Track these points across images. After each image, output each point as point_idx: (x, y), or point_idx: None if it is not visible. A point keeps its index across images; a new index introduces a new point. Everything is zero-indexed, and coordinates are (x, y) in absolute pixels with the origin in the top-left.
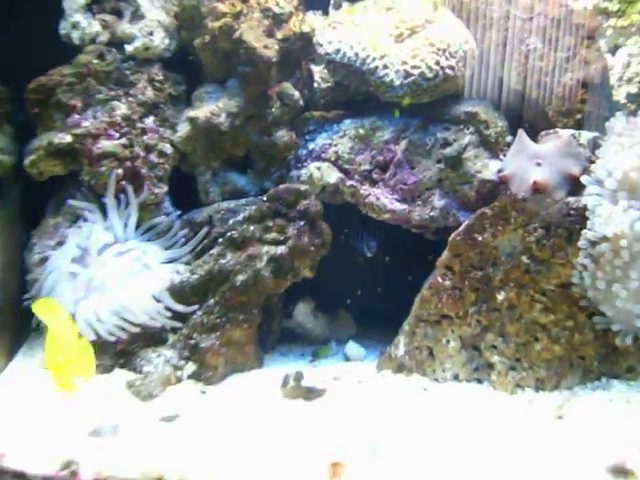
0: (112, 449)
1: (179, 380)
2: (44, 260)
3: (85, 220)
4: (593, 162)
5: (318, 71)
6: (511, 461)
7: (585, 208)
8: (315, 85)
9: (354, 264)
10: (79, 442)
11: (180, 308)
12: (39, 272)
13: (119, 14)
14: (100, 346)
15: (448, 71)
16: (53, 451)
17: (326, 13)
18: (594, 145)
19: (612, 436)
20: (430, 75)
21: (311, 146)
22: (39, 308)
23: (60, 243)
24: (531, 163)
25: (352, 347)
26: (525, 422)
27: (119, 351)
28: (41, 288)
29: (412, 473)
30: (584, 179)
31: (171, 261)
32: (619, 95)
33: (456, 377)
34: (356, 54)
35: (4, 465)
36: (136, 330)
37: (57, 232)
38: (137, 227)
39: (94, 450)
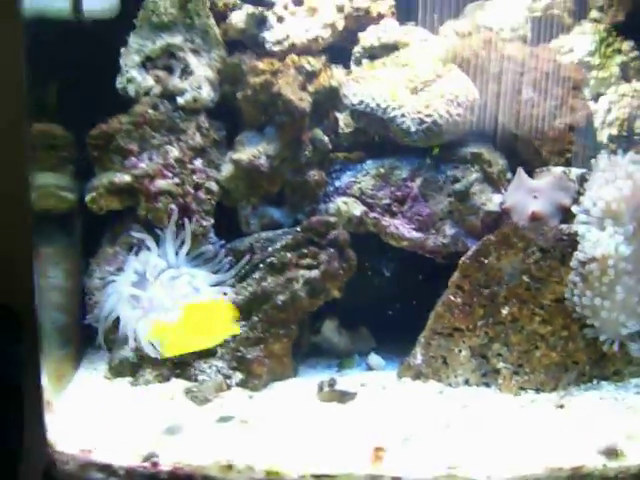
0: (183, 444)
1: (229, 387)
2: (106, 284)
3: (140, 249)
4: (581, 194)
5: (341, 118)
6: (516, 444)
7: (576, 234)
8: (340, 130)
9: (374, 286)
10: (154, 439)
11: None
12: (100, 295)
13: (170, 70)
14: (157, 358)
15: (457, 118)
16: (132, 447)
17: (346, 67)
18: (582, 180)
19: (603, 425)
20: (441, 122)
21: (337, 183)
22: None
23: (119, 269)
24: (529, 196)
25: (374, 358)
26: (528, 416)
27: (175, 363)
28: (102, 309)
29: (436, 457)
30: (574, 209)
31: (217, 284)
32: (602, 136)
33: (467, 382)
34: (378, 104)
35: (92, 458)
36: None
37: (116, 259)
38: (186, 255)
39: (168, 445)
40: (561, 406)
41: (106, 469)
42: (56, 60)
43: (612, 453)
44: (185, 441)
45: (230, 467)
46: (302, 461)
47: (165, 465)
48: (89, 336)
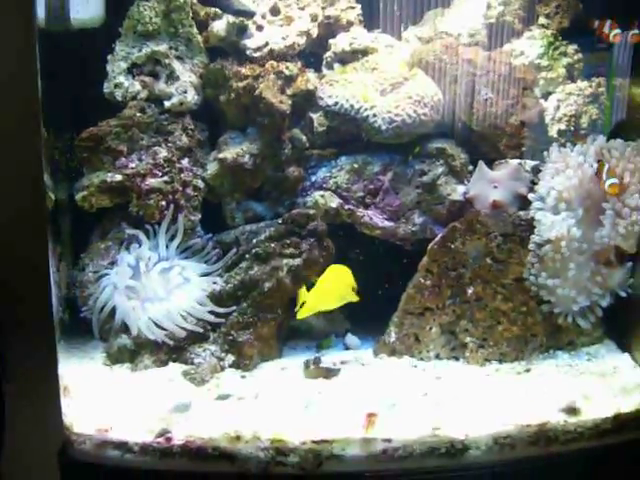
0: (191, 420)
1: (222, 368)
2: (99, 278)
3: (131, 243)
4: (536, 184)
5: (315, 118)
6: (488, 407)
7: (532, 219)
8: (315, 128)
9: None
10: (164, 416)
11: (220, 310)
12: (94, 288)
13: (155, 76)
14: (155, 344)
15: (423, 117)
16: (145, 425)
17: (318, 71)
18: (536, 170)
19: (561, 388)
20: (409, 121)
21: (314, 178)
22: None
23: (112, 263)
24: (489, 186)
25: (350, 338)
26: (495, 383)
27: (172, 348)
28: (98, 301)
29: (420, 421)
30: (530, 197)
31: (207, 274)
32: (552, 131)
33: (438, 356)
34: (351, 105)
35: (108, 437)
36: (186, 330)
37: (108, 254)
38: (177, 248)
39: (179, 422)
40: (517, 372)
41: (122, 446)
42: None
43: (571, 410)
44: (193, 417)
45: (238, 438)
46: (302, 429)
47: (178, 439)
48: (74, 328)
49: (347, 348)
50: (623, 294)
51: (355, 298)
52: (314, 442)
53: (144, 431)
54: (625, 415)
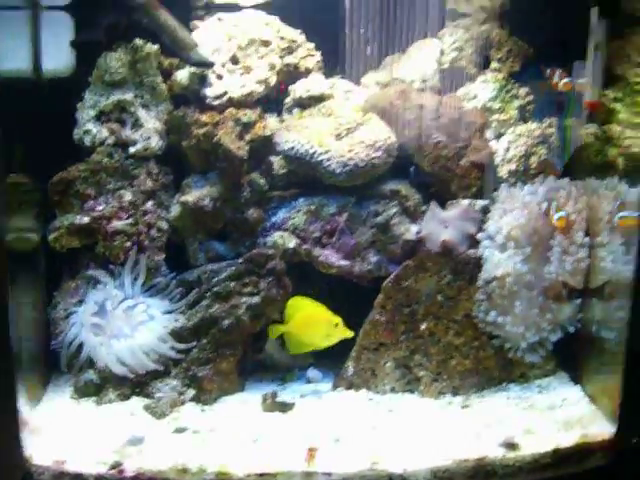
0: (144, 453)
1: (183, 402)
2: (69, 315)
3: (99, 283)
4: (485, 223)
5: (276, 161)
6: (431, 441)
7: (480, 257)
8: (274, 172)
9: None
10: (119, 449)
11: (181, 347)
12: (64, 325)
13: (122, 123)
14: (119, 379)
15: (376, 160)
16: (100, 457)
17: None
18: (485, 210)
19: (506, 422)
20: (362, 164)
21: (274, 219)
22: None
23: (80, 301)
24: (440, 226)
25: (312, 372)
26: (444, 417)
27: (134, 382)
28: (67, 336)
29: (362, 455)
30: (479, 236)
31: (170, 312)
32: (502, 172)
33: (393, 389)
34: (306, 150)
35: (65, 468)
36: (150, 366)
37: (77, 292)
38: (141, 286)
39: (132, 454)
40: (466, 406)
41: (78, 477)
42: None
43: (510, 445)
44: (146, 450)
45: (185, 470)
46: (248, 463)
47: (129, 471)
48: (54, 362)
49: (309, 382)
50: (572, 329)
51: (347, 333)
52: (258, 475)
53: (99, 463)
54: (564, 450)
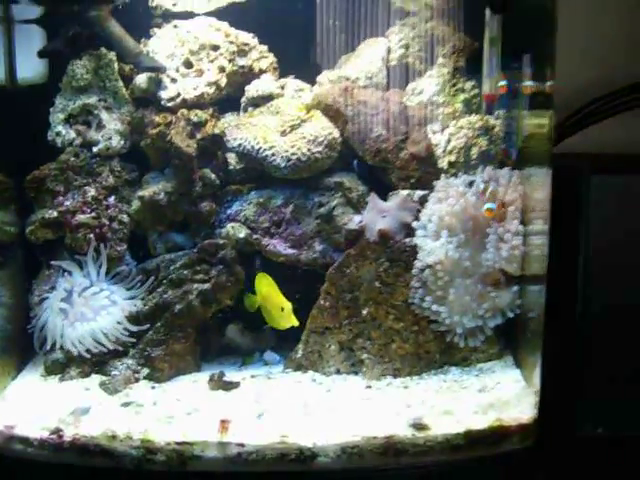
0: (86, 423)
1: (137, 380)
2: (42, 300)
3: (68, 271)
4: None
5: (233, 157)
6: (351, 420)
7: (416, 245)
8: (231, 167)
9: None
10: (64, 419)
11: (136, 329)
12: (38, 309)
13: (88, 124)
14: (81, 359)
15: (317, 155)
16: (46, 424)
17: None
18: (423, 200)
19: (427, 403)
20: (304, 159)
21: (228, 212)
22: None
23: (52, 288)
24: (379, 216)
25: (269, 355)
26: (374, 397)
27: (95, 362)
28: (39, 320)
29: (279, 429)
30: (414, 224)
31: (131, 298)
32: (443, 163)
33: (338, 371)
34: (252, 146)
35: (15, 432)
36: (107, 347)
37: (50, 280)
38: (106, 275)
39: (73, 423)
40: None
41: (24, 440)
42: None
43: (418, 426)
44: (88, 420)
45: (114, 437)
46: (173, 433)
47: (67, 437)
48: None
49: (266, 364)
50: (511, 315)
51: (294, 323)
52: (176, 443)
53: (44, 429)
54: (476, 432)
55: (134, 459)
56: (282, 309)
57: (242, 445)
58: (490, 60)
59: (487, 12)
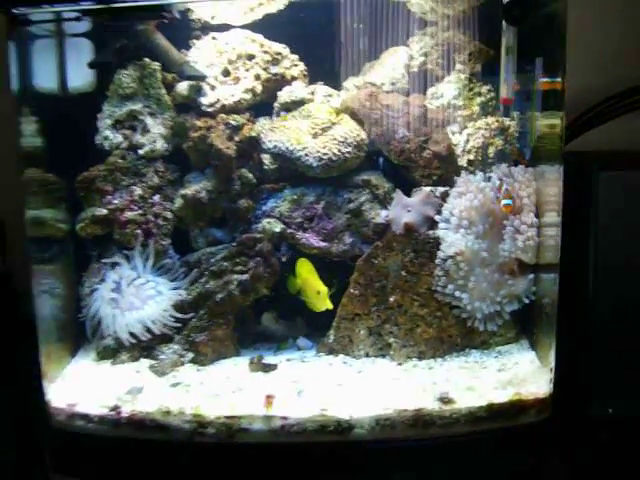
0: (140, 400)
1: (183, 364)
2: (92, 291)
3: (117, 264)
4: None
5: (268, 158)
6: (384, 396)
7: (438, 237)
8: (266, 167)
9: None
10: (120, 397)
11: (181, 316)
12: (89, 299)
13: (134, 129)
14: (131, 344)
15: (347, 155)
16: (104, 402)
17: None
18: (445, 196)
19: (451, 381)
20: (335, 159)
21: (264, 208)
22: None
23: (102, 280)
24: (404, 211)
25: (302, 341)
26: (402, 376)
27: (143, 347)
28: (90, 309)
29: (319, 404)
30: (437, 218)
31: (175, 288)
32: (463, 161)
33: (367, 354)
34: (287, 147)
35: (76, 410)
36: (155, 332)
37: (100, 273)
38: (152, 267)
39: (130, 400)
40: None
41: (85, 417)
42: (51, 125)
43: (445, 399)
44: (143, 398)
45: (168, 412)
46: (221, 408)
47: (125, 413)
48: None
49: (299, 349)
50: (527, 301)
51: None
52: (226, 417)
53: (102, 407)
54: (497, 405)
55: (187, 432)
56: (318, 292)
57: (285, 418)
58: (507, 67)
59: (504, 24)
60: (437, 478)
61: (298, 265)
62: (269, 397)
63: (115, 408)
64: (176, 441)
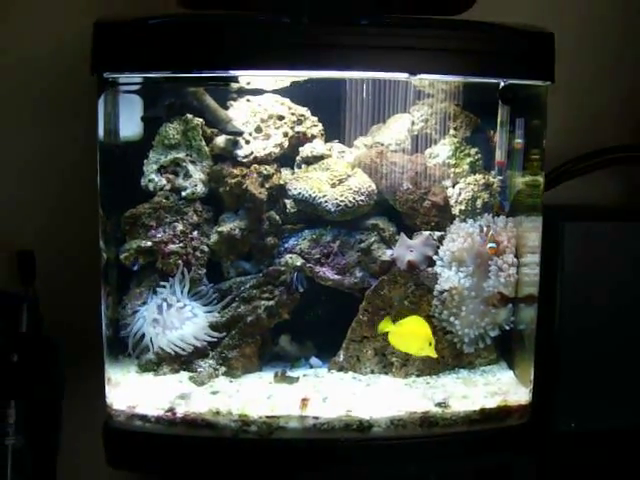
0: (189, 404)
1: (217, 376)
2: (134, 312)
3: (158, 289)
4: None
5: (289, 203)
6: (393, 402)
7: (436, 274)
8: (288, 210)
9: (315, 312)
10: (172, 401)
11: (216, 335)
12: (130, 319)
13: (176, 174)
14: (171, 358)
15: (360, 202)
16: (159, 405)
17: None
18: (441, 239)
19: (448, 391)
20: (350, 205)
21: (286, 245)
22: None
23: (143, 303)
24: (407, 250)
25: (314, 360)
26: (406, 388)
27: (183, 361)
28: (133, 328)
29: (342, 407)
30: (435, 257)
31: (209, 312)
32: (455, 211)
33: (373, 371)
34: (309, 195)
35: (135, 411)
36: (192, 348)
37: (142, 296)
38: (188, 293)
39: (181, 404)
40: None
41: (144, 417)
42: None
43: (442, 405)
44: (191, 402)
45: (218, 413)
46: (261, 410)
47: (179, 414)
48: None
49: (311, 367)
50: (507, 327)
51: (433, 354)
52: (267, 417)
53: (158, 409)
54: (488, 409)
55: (233, 430)
56: (430, 344)
57: (317, 418)
58: (501, 135)
59: (499, 102)
60: (440, 468)
61: (410, 318)
62: (304, 400)
63: (170, 409)
64: (223, 438)
